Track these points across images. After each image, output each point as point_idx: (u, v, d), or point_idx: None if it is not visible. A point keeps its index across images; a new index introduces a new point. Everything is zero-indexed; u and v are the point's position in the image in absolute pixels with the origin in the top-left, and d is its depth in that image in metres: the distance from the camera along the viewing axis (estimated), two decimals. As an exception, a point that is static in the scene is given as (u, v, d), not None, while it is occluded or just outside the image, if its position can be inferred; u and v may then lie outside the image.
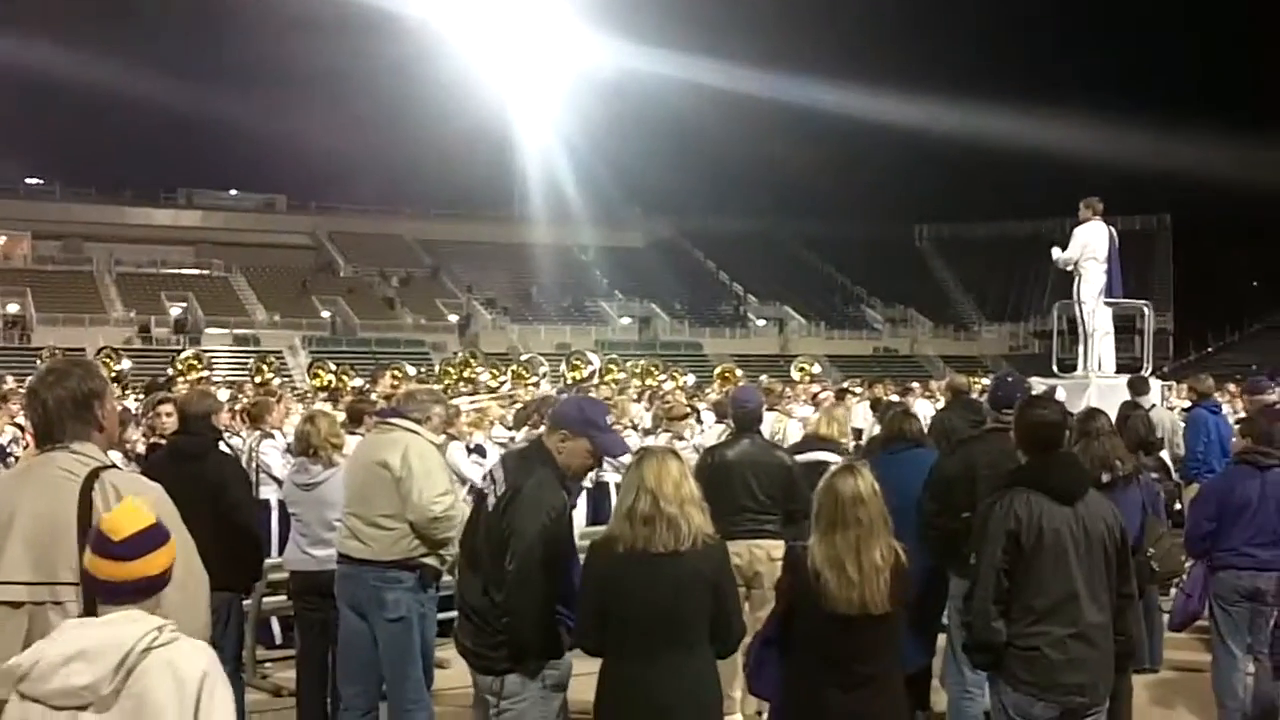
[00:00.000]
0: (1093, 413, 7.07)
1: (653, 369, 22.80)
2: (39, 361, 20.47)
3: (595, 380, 20.53)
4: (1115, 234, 14.16)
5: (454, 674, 7.92)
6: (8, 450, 10.34)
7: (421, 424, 6.46)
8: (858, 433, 13.61)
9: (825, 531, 4.52)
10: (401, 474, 6.09)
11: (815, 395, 16.83)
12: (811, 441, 8.44)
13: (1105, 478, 6.53)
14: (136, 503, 3.25)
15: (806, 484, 7.91)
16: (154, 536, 3.13)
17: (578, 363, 22.81)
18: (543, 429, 5.53)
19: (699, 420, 14.31)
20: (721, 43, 69.96)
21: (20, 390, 17.28)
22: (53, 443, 3.73)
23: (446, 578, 6.25)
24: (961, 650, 5.40)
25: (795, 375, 22.98)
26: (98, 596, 3.12)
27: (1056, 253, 14.35)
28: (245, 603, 7.43)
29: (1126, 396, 11.80)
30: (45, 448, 3.76)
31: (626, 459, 12.10)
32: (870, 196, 79.76)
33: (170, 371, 20.34)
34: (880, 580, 4.45)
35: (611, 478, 12.25)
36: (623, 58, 68.90)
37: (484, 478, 5.28)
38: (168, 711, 2.97)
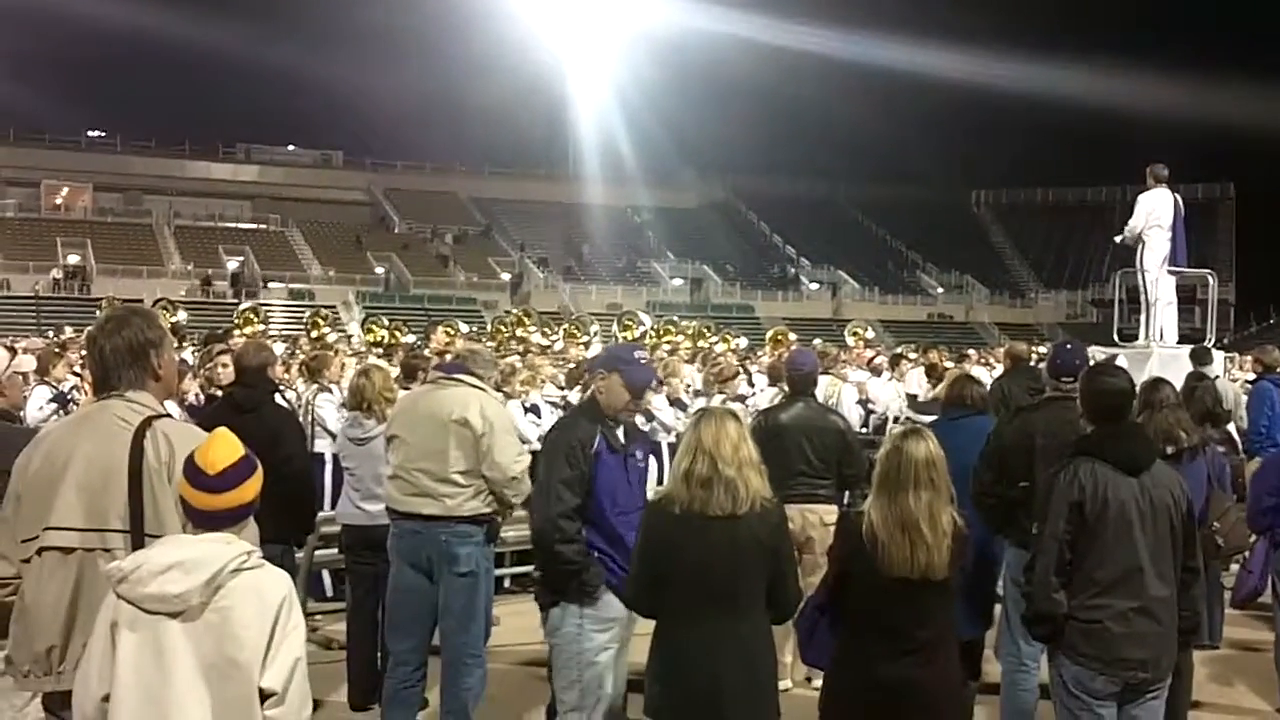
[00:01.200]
0: (1157, 383, 6.92)
1: (705, 330, 22.73)
2: (98, 312, 20.74)
3: (647, 340, 20.51)
4: (1180, 202, 13.89)
5: (504, 631, 7.95)
6: (69, 397, 10.43)
7: (486, 383, 6.43)
8: (912, 399, 13.48)
9: (891, 494, 4.43)
10: (483, 431, 6.03)
11: (870, 360, 16.66)
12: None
13: (1169, 450, 6.39)
14: (228, 434, 3.42)
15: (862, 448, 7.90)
16: (245, 468, 3.38)
17: (629, 323, 22.82)
18: None
19: (750, 383, 14.22)
20: (780, 1, 69.34)
21: (79, 339, 17.52)
22: (109, 390, 3.72)
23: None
24: (1020, 621, 5.30)
25: (850, 341, 22.81)
26: (191, 522, 3.33)
27: (1121, 236, 14.12)
28: (297, 555, 7.46)
29: (1189, 367, 11.59)
30: (102, 395, 3.75)
31: (671, 420, 12.16)
32: (927, 161, 79.19)
33: (229, 325, 20.53)
34: (945, 545, 4.38)
35: (664, 438, 12.23)
36: (679, 15, 68.54)
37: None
38: (251, 628, 3.19)
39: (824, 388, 11.56)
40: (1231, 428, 10.04)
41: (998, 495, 6.31)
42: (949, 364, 15.70)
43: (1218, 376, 12.01)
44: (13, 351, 14.07)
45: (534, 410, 10.68)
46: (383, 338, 19.72)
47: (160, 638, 3.15)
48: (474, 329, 24.85)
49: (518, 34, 69.23)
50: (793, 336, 21.69)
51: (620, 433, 5.32)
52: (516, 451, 6.24)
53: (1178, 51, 74.16)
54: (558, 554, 5.10)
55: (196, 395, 10.20)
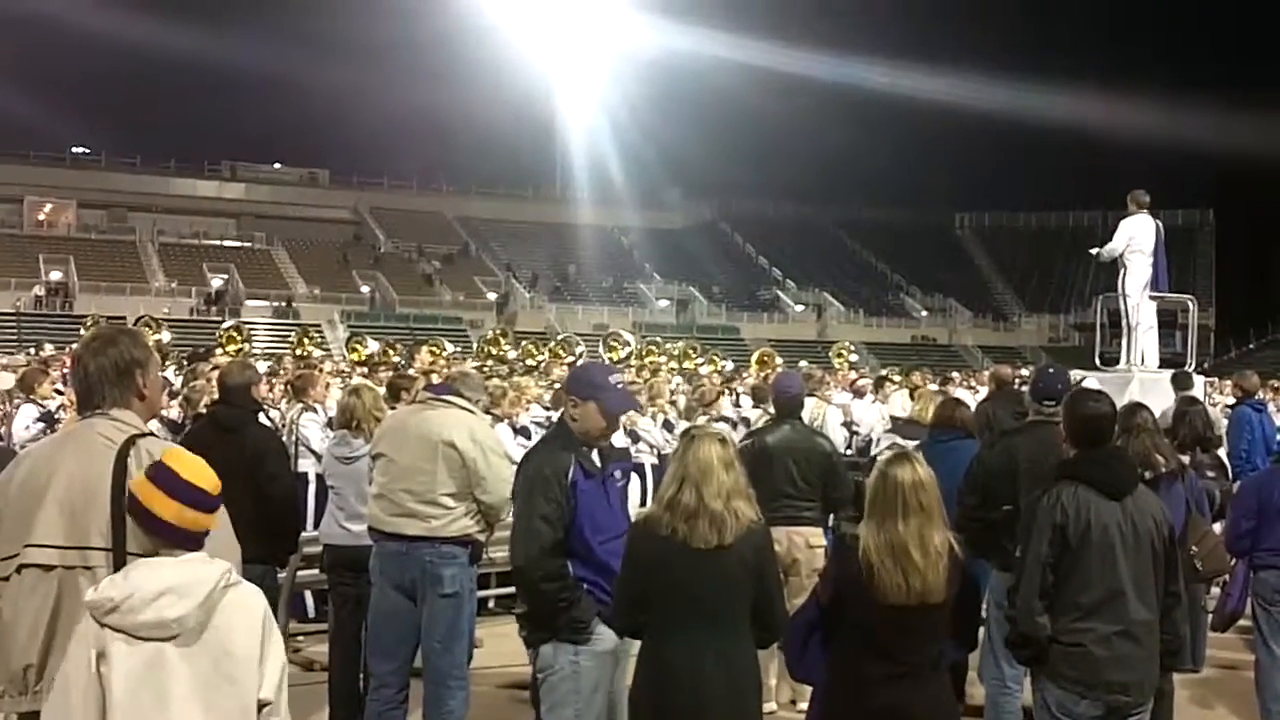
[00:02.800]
0: (1135, 407, 6.96)
1: (690, 351, 22.75)
2: (81, 330, 20.68)
3: (632, 361, 20.52)
4: (1161, 228, 14.03)
5: (487, 653, 7.93)
6: (55, 416, 10.38)
7: (475, 406, 6.43)
8: (894, 420, 13.50)
9: (882, 519, 4.42)
10: (474, 455, 6.02)
11: (854, 382, 16.71)
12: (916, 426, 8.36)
13: (1147, 474, 6.42)
14: (197, 458, 3.43)
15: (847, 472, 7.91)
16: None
17: (614, 344, 22.84)
18: None
19: (736, 404, 14.25)
20: (767, 24, 69.76)
21: (61, 357, 17.46)
22: (93, 409, 3.72)
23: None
24: (1003, 645, 5.32)
25: (836, 364, 22.87)
26: (169, 541, 3.31)
27: (1099, 250, 14.26)
28: (280, 575, 7.43)
29: (1169, 392, 11.66)
30: (85, 414, 3.74)
31: (660, 440, 12.15)
32: (911, 184, 79.62)
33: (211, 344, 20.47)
34: (940, 568, 4.37)
35: (647, 459, 12.24)
36: (666, 37, 68.79)
37: None
38: (244, 644, 3.27)
39: (809, 410, 11.59)
40: (1222, 452, 10.08)
41: (981, 519, 6.33)
42: (931, 387, 15.73)
43: (1200, 401, 12.08)
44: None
45: (523, 432, 10.68)
46: (368, 356, 19.64)
47: (155, 663, 3.16)
48: (459, 349, 24.79)
49: (506, 54, 69.42)
50: (778, 359, 21.71)
51: (595, 456, 5.05)
52: (510, 474, 6.22)
53: (1159, 78, 74.83)
54: (543, 593, 4.84)
55: (178, 413, 10.18)
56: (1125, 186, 14.25)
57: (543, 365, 19.03)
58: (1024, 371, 17.25)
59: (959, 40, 76.49)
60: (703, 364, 21.32)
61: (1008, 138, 72.43)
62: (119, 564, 3.45)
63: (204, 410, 7.79)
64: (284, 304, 54.99)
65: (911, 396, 14.39)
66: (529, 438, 10.54)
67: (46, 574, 3.52)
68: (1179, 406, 8.45)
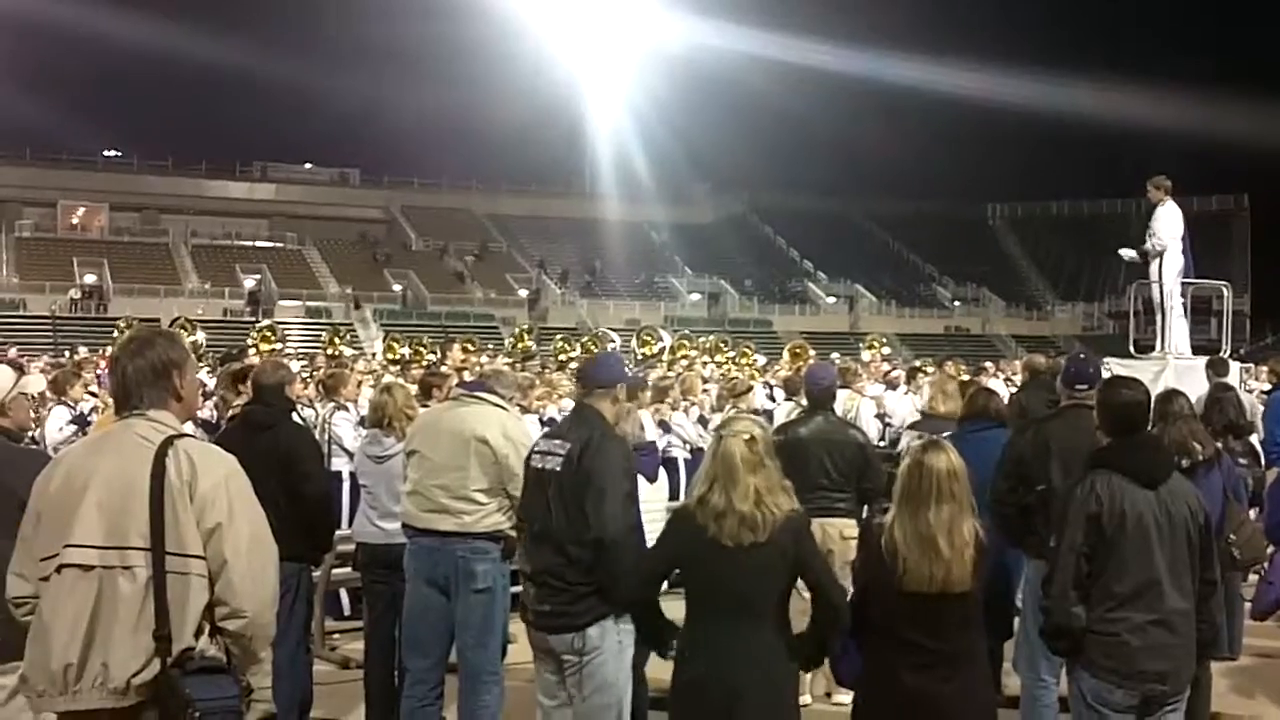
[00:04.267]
0: (1171, 394, 6.90)
1: (721, 344, 22.71)
2: (115, 332, 20.82)
3: (665, 356, 20.51)
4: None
5: (521, 649, 7.95)
6: (87, 418, 10.47)
7: (508, 404, 6.46)
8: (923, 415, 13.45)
9: (912, 508, 4.41)
10: (506, 451, 6.04)
11: (887, 374, 16.65)
12: (933, 421, 8.31)
13: (1184, 462, 6.37)
14: None
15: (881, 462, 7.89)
16: None
17: (648, 338, 22.83)
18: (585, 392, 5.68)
19: (771, 397, 14.25)
20: (793, 17, 69.57)
21: (94, 359, 17.60)
22: (130, 410, 3.74)
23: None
24: (1038, 635, 5.29)
25: (866, 356, 22.79)
26: None
27: (1128, 253, 14.14)
28: (315, 574, 7.47)
29: (1203, 378, 11.55)
30: (123, 415, 3.77)
31: (693, 435, 12.13)
32: (942, 174, 79.29)
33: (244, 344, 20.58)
34: (966, 557, 4.36)
35: (680, 453, 12.25)
36: (693, 33, 68.74)
37: (536, 453, 5.49)
38: None
39: (842, 402, 11.57)
40: (1254, 438, 9.99)
41: (1014, 504, 6.31)
42: (964, 376, 15.66)
43: (1233, 388, 11.98)
44: (19, 370, 14.09)
45: (551, 424, 10.69)
46: (403, 355, 19.69)
47: None
48: (490, 347, 24.86)
49: (534, 52, 69.61)
50: (811, 351, 21.64)
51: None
52: None
53: (1190, 66, 74.18)
54: (628, 569, 4.94)
55: (211, 413, 10.24)
56: (1158, 172, 14.13)
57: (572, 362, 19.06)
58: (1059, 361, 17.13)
59: (986, 31, 76.12)
60: (735, 356, 21.26)
61: (1038, 127, 72.11)
62: (157, 564, 3.48)
63: (238, 409, 7.83)
64: (324, 304, 55.20)
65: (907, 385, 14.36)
66: (557, 429, 10.55)
67: (86, 574, 3.54)
68: (1212, 393, 8.38)
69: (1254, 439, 9.71)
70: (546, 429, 10.40)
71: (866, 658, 4.57)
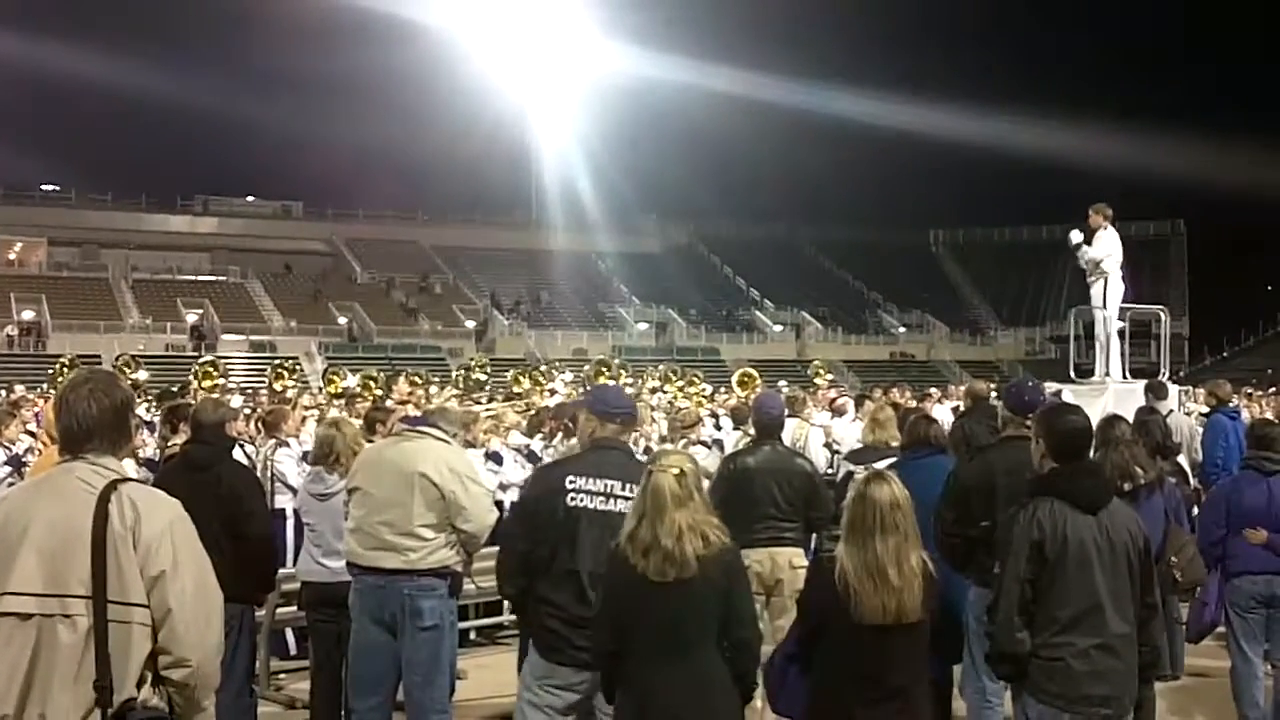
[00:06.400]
0: (1113, 419, 7.01)
1: (671, 374, 22.72)
2: (57, 369, 20.49)
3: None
4: None
5: (470, 686, 7.90)
6: (23, 459, 10.25)
7: (452, 439, 6.43)
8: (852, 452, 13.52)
9: (860, 539, 4.45)
10: (453, 486, 6.03)
11: (833, 401, 16.73)
12: (869, 451, 8.35)
13: (1126, 486, 6.46)
14: None
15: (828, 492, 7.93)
16: None
17: (602, 369, 22.83)
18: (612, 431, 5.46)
19: (717, 426, 14.26)
20: (737, 49, 70.08)
21: (31, 399, 17.29)
22: (81, 452, 3.67)
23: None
24: (984, 660, 5.34)
25: (818, 381, 22.91)
26: None
27: (1077, 235, 14.41)
28: (259, 613, 7.39)
29: (1143, 402, 11.72)
30: (64, 458, 3.71)
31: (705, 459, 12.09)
32: (885, 202, 79.97)
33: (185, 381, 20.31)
34: (916, 587, 4.40)
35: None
36: (638, 64, 69.05)
37: (582, 495, 5.17)
38: None
39: (791, 431, 11.60)
40: (1183, 459, 10.15)
41: (960, 534, 6.36)
42: (913, 403, 15.77)
43: (1172, 410, 12.17)
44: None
45: (494, 458, 10.63)
46: (346, 389, 19.50)
47: None
48: (438, 378, 24.73)
49: (479, 83, 69.52)
50: (758, 379, 21.68)
51: None
52: (488, 503, 6.27)
53: (1127, 98, 75.65)
54: None
55: (155, 451, 10.09)
56: (1096, 199, 14.40)
57: (524, 393, 18.99)
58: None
59: (928, 65, 77.13)
60: (683, 385, 21.27)
61: (979, 157, 72.76)
62: (99, 612, 3.41)
63: (175, 449, 7.73)
64: (269, 338, 54.73)
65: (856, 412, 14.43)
66: (500, 463, 10.51)
67: (24, 623, 3.46)
68: (1138, 416, 8.51)
69: (1181, 459, 9.89)
70: (489, 464, 10.37)
71: (815, 692, 4.58)
